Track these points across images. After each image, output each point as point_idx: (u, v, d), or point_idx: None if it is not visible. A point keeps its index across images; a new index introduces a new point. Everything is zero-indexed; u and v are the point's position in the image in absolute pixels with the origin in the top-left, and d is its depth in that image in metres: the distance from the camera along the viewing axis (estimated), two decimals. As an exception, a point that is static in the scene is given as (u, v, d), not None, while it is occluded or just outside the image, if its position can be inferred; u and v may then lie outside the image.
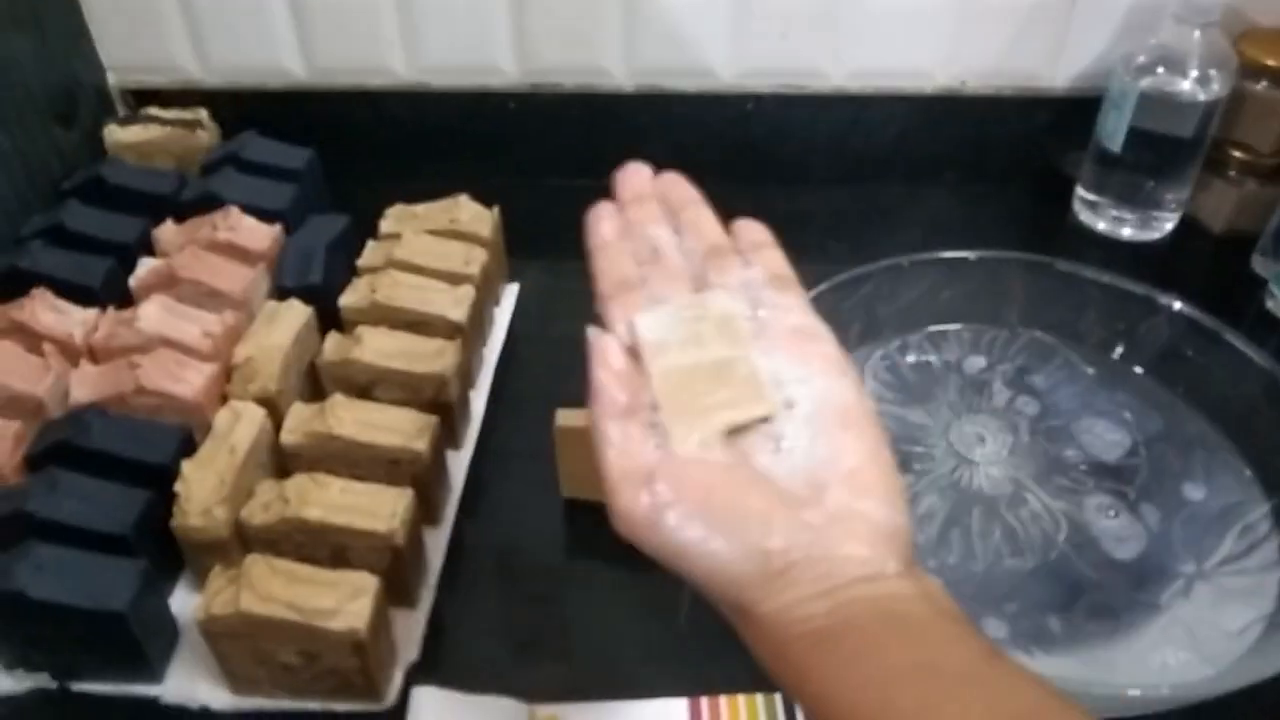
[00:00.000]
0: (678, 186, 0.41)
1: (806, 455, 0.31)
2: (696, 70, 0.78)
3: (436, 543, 0.56)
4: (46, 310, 0.60)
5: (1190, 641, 0.46)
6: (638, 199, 0.41)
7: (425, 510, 0.55)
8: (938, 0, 0.74)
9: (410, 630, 0.52)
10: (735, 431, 0.33)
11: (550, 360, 0.70)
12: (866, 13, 0.75)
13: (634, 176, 0.42)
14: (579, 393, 0.68)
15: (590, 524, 0.58)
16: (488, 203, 0.71)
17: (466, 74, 0.79)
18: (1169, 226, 0.77)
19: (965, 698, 0.27)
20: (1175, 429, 0.57)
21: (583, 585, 0.56)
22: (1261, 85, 0.71)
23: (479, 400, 0.65)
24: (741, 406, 0.33)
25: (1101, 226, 0.78)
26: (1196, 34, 0.69)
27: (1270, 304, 0.70)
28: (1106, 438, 0.57)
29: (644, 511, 0.31)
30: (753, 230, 0.39)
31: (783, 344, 0.35)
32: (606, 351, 0.35)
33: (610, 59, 0.78)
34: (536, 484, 0.59)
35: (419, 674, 0.50)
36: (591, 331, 0.36)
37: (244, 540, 0.52)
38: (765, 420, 0.33)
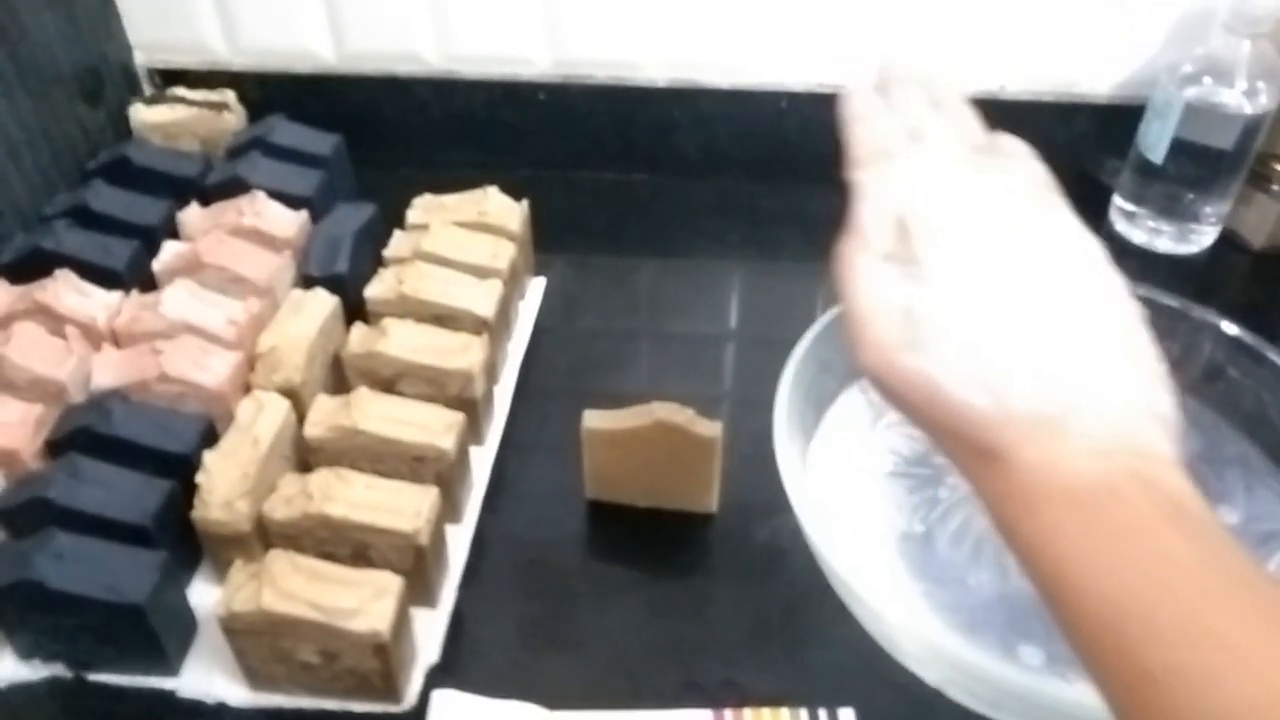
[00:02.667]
0: (941, 81, 0.39)
1: (1080, 325, 0.30)
2: (730, 66, 0.77)
3: (458, 541, 0.55)
4: (70, 292, 0.60)
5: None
6: (904, 81, 0.38)
7: (448, 507, 0.54)
8: (978, 3, 0.73)
9: (431, 630, 0.51)
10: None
11: (575, 356, 0.69)
12: (904, 14, 0.74)
13: (902, 65, 0.40)
14: (604, 389, 0.67)
15: (613, 525, 0.58)
16: (515, 194, 0.70)
17: (497, 63, 0.78)
18: (1207, 241, 0.76)
19: (1248, 601, 0.25)
20: (1216, 450, 0.56)
21: (605, 588, 0.55)
22: (1310, 99, 0.70)
23: (503, 395, 0.64)
24: None
25: (1138, 238, 0.77)
26: (1246, 45, 0.67)
27: (1310, 323, 0.69)
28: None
29: (898, 341, 0.30)
30: (1011, 142, 0.37)
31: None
32: (884, 196, 0.34)
33: (643, 52, 0.76)
34: (560, 482, 0.58)
35: (439, 675, 0.50)
36: (863, 177, 0.35)
37: (265, 534, 0.51)
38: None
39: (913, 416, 0.31)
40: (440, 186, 0.70)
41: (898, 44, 0.75)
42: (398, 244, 0.66)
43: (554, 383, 0.67)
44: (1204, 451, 0.56)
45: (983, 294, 0.31)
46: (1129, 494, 0.27)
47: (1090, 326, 0.30)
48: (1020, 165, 0.35)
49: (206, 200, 0.68)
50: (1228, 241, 0.76)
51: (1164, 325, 0.59)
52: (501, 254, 0.65)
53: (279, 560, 0.46)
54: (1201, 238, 0.76)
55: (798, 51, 0.76)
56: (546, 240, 0.73)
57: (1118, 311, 0.31)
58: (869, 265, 0.32)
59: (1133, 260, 0.76)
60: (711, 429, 0.54)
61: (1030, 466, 0.28)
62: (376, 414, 0.54)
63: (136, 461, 0.52)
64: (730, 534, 0.57)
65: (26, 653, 0.49)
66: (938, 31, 0.74)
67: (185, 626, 0.50)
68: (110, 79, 0.76)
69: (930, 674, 0.46)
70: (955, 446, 0.31)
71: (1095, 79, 0.76)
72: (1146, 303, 0.59)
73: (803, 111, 0.78)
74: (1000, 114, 0.83)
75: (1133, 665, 0.25)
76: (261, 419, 0.53)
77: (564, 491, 0.58)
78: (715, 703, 0.48)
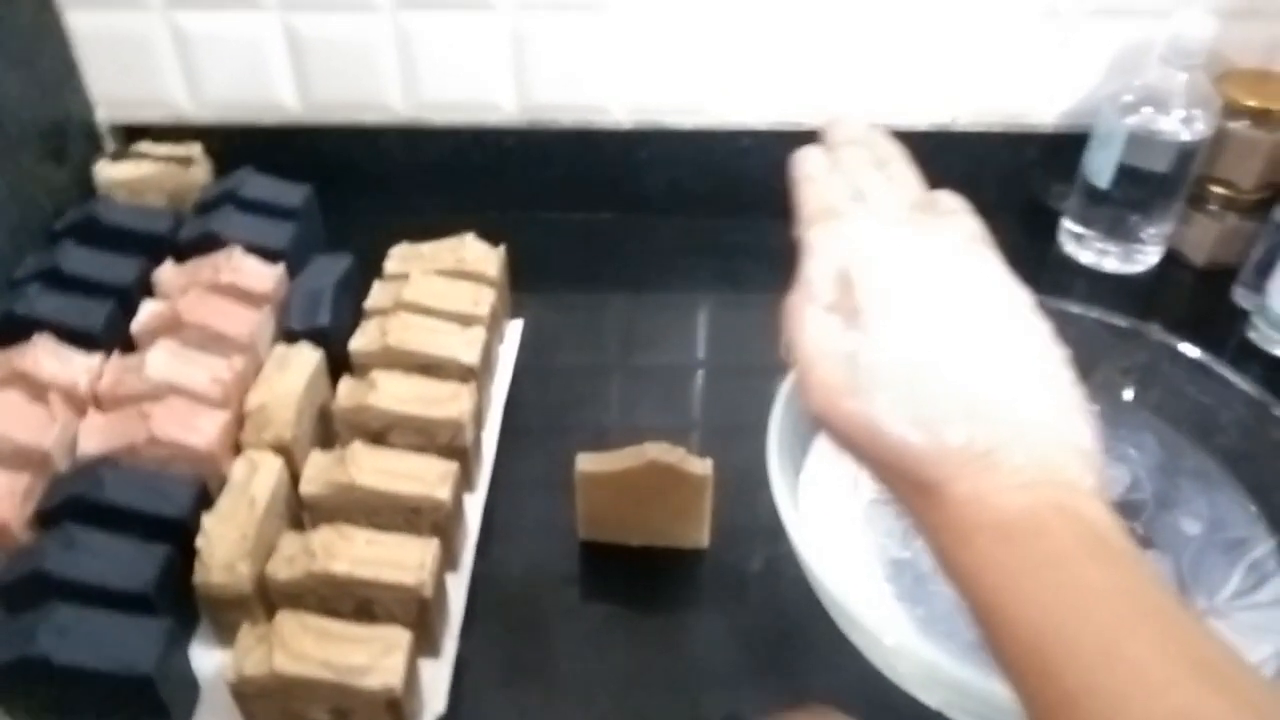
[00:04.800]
0: (884, 143, 0.42)
1: (1006, 367, 0.33)
2: (693, 107, 0.79)
3: (457, 588, 0.56)
4: (49, 357, 0.59)
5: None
6: (850, 142, 0.41)
7: (446, 557, 0.55)
8: (931, 39, 0.76)
9: (436, 681, 0.52)
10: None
11: (556, 394, 0.70)
12: (860, 52, 0.76)
13: (847, 124, 0.42)
14: (586, 423, 0.69)
15: (607, 565, 0.59)
16: (486, 237, 0.71)
17: (464, 110, 0.79)
18: (1153, 259, 0.79)
19: (1161, 631, 0.27)
20: (1175, 463, 0.59)
21: (603, 628, 0.56)
22: (1242, 124, 0.74)
23: (489, 439, 0.65)
24: None
25: (1086, 259, 0.80)
26: (1182, 76, 0.71)
27: (1253, 335, 0.73)
28: (1110, 474, 0.59)
29: (842, 385, 0.32)
30: (949, 199, 0.40)
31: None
32: (828, 251, 0.36)
33: (608, 97, 0.78)
34: (551, 523, 0.59)
35: (446, 725, 0.50)
36: (811, 236, 0.37)
37: (265, 594, 0.51)
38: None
39: (857, 455, 0.33)
40: (411, 233, 0.71)
41: (853, 82, 0.78)
42: (378, 294, 0.66)
43: (538, 422, 0.67)
44: (1164, 464, 0.59)
45: (919, 342, 0.33)
46: (1053, 526, 0.29)
47: (1017, 370, 0.33)
48: (956, 221, 0.38)
49: (180, 257, 0.68)
50: (1172, 260, 0.80)
51: (1124, 346, 0.63)
52: (482, 300, 0.66)
53: (288, 622, 0.46)
54: (1147, 257, 0.79)
55: (757, 91, 0.78)
56: (520, 281, 0.74)
57: (1043, 354, 0.34)
58: (815, 316, 0.35)
59: (1082, 280, 0.79)
60: (703, 466, 0.55)
61: (963, 499, 0.30)
62: (371, 468, 0.54)
63: (131, 528, 0.51)
64: (723, 567, 0.58)
65: (29, 728, 0.48)
66: (891, 69, 0.77)
67: (190, 691, 0.50)
68: (73, 137, 0.76)
69: (931, 697, 0.48)
70: (896, 482, 0.33)
71: (1042, 110, 0.80)
72: (1106, 326, 0.62)
73: (764, 148, 0.80)
74: (953, 145, 0.87)
75: (1054, 687, 0.27)
76: (256, 479, 0.53)
77: (556, 532, 0.59)
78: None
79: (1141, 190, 0.75)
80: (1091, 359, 0.62)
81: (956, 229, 0.38)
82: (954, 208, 0.39)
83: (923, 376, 0.32)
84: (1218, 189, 0.77)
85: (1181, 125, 0.72)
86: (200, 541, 0.50)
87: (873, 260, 0.35)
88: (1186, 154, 0.73)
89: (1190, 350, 0.60)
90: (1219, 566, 0.53)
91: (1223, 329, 0.74)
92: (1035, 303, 0.35)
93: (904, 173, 0.40)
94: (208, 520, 0.51)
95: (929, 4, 0.74)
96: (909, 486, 0.32)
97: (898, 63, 0.77)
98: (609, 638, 0.56)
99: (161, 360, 0.59)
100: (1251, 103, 0.73)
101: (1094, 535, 0.29)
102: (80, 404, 0.58)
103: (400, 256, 0.69)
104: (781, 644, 0.55)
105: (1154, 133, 0.73)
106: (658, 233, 0.82)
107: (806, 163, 0.40)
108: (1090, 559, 0.28)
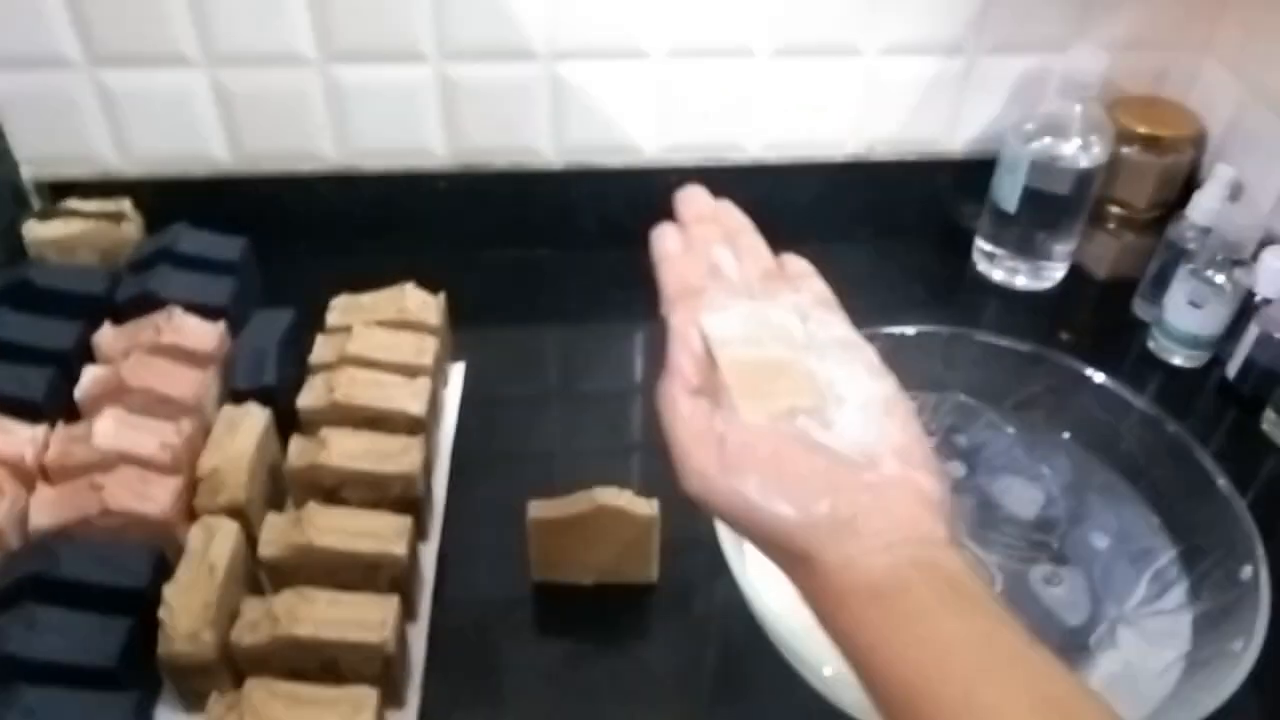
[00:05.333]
0: (732, 215, 0.45)
1: (859, 434, 0.35)
2: (622, 147, 0.81)
3: (417, 638, 0.58)
4: (-7, 431, 0.59)
5: (1119, 683, 0.52)
6: (699, 219, 0.44)
7: (406, 609, 0.56)
8: (845, 74, 0.80)
9: (402, 731, 0.54)
10: (794, 414, 0.36)
11: (502, 431, 0.72)
12: (780, 89, 0.80)
13: (695, 199, 0.45)
14: (536, 458, 0.72)
15: (560, 603, 0.61)
16: (423, 280, 0.72)
17: (397, 156, 0.80)
18: (1059, 275, 0.84)
19: (1011, 674, 0.30)
20: (1085, 480, 0.64)
21: (560, 664, 0.59)
22: (1134, 149, 0.79)
23: (439, 483, 0.67)
24: (801, 394, 0.37)
25: (998, 277, 0.85)
26: (1078, 106, 0.76)
27: (1151, 345, 0.78)
28: (1026, 494, 0.63)
29: (716, 468, 0.34)
30: (797, 263, 0.43)
31: (831, 351, 0.39)
32: (689, 337, 0.38)
33: (539, 139, 0.80)
34: (503, 564, 0.61)
35: (416, 775, 0.52)
36: (675, 320, 0.39)
37: (230, 660, 0.52)
38: (819, 409, 0.36)
39: (736, 529, 0.36)
40: (349, 279, 0.72)
41: (773, 118, 0.81)
42: (322, 348, 0.67)
43: (486, 462, 0.69)
44: (1075, 482, 0.64)
45: (778, 418, 0.36)
46: (914, 582, 0.32)
47: (870, 430, 0.36)
48: (805, 284, 0.42)
49: (118, 318, 0.68)
50: (1077, 275, 0.85)
51: (1032, 371, 0.67)
52: (426, 349, 0.68)
53: (257, 690, 0.48)
54: (1054, 273, 0.84)
55: (682, 130, 0.81)
56: (458, 321, 0.75)
57: (889, 409, 0.37)
58: (684, 401, 0.37)
59: (994, 296, 0.84)
60: (649, 507, 0.58)
61: (834, 567, 0.33)
62: (328, 527, 0.55)
63: (90, 602, 0.52)
64: (673, 599, 0.61)
65: (-2, 810, 0.49)
66: (809, 104, 0.81)
67: (159, 761, 0.51)
68: (0, 197, 0.75)
69: None
70: (775, 553, 0.35)
71: (951, 139, 0.84)
72: (1016, 353, 0.67)
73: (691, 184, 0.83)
74: (872, 174, 0.91)
75: None
76: (214, 545, 0.54)
77: (510, 573, 0.61)
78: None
79: (1046, 212, 0.80)
80: (1005, 385, 0.67)
81: (807, 290, 0.41)
82: (802, 271, 0.43)
83: (786, 451, 0.35)
84: (1115, 209, 0.82)
85: (1080, 151, 0.77)
86: (162, 613, 0.51)
87: (727, 342, 0.38)
88: (1085, 178, 0.78)
89: (1093, 373, 0.64)
90: (1127, 577, 0.57)
91: (1125, 340, 0.80)
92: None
93: (753, 243, 0.44)
94: (168, 590, 0.52)
95: (842, 43, 0.78)
96: (786, 557, 0.35)
97: (814, 98, 0.80)
98: (567, 674, 0.58)
99: (109, 428, 0.59)
100: (1142, 129, 0.78)
101: (950, 587, 0.32)
102: (28, 477, 0.59)
103: (341, 308, 0.70)
104: (730, 672, 0.58)
105: (1054, 159, 0.78)
106: (591, 267, 0.84)
107: (662, 242, 0.43)
108: (948, 611, 0.32)
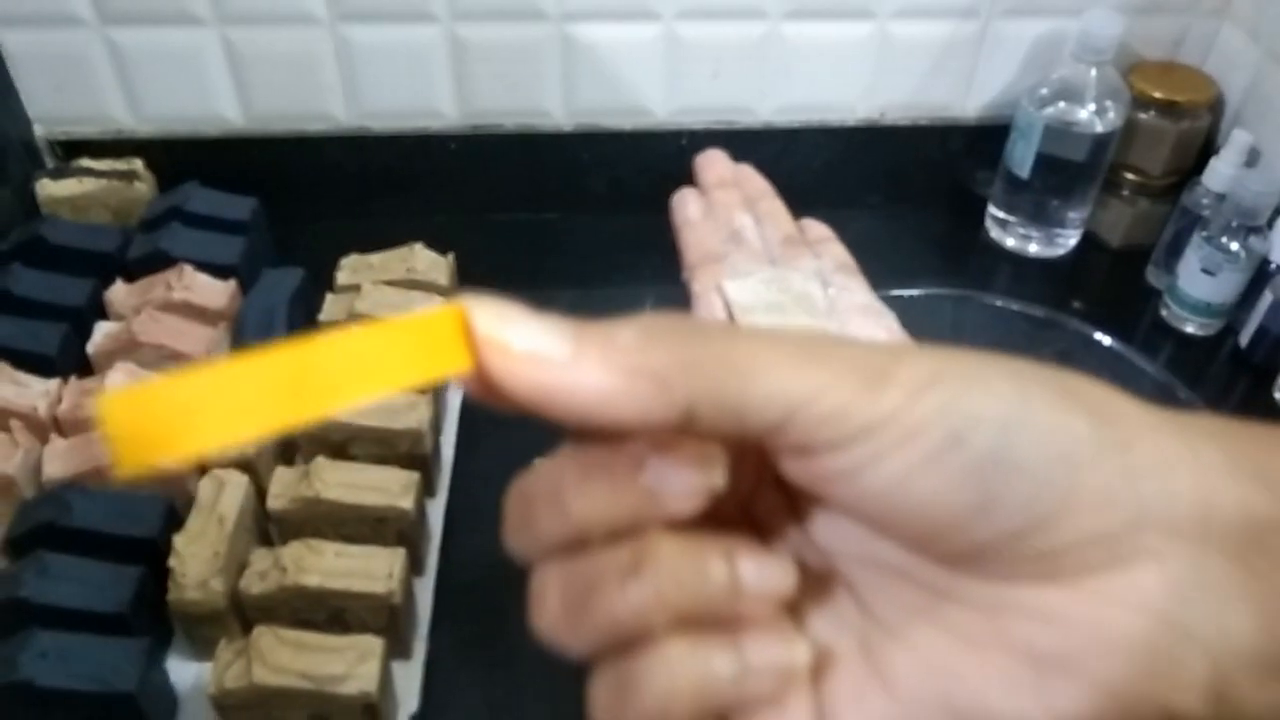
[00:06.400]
0: (753, 179, 0.44)
1: None
2: (632, 109, 0.81)
3: (423, 591, 0.59)
4: (6, 383, 0.60)
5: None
6: (721, 184, 0.43)
7: (412, 562, 0.57)
8: (857, 37, 0.79)
9: (408, 681, 0.54)
10: None
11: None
12: (791, 51, 0.79)
13: (716, 163, 0.44)
14: (542, 430, 0.72)
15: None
16: (432, 242, 0.73)
17: (407, 117, 0.80)
18: (1072, 242, 0.84)
19: None
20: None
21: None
22: (1150, 115, 0.78)
23: (447, 442, 0.67)
24: None
25: (1011, 243, 0.84)
26: (1093, 71, 0.75)
27: (1164, 313, 0.77)
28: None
29: None
30: (817, 228, 0.43)
31: (853, 318, 0.39)
32: (711, 303, 0.38)
33: (549, 101, 0.80)
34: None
35: (421, 723, 0.53)
36: (697, 286, 0.39)
37: (239, 608, 0.53)
38: None
39: None
40: (357, 240, 0.73)
41: (785, 80, 0.80)
42: (331, 307, 0.68)
43: (492, 421, 0.70)
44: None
45: None
46: None
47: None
48: (826, 249, 0.41)
49: (130, 275, 0.69)
50: (1090, 242, 0.84)
51: (1045, 335, 0.67)
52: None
53: (264, 636, 0.48)
54: (1067, 240, 0.84)
55: (692, 93, 0.81)
56: (467, 283, 0.75)
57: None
58: None
59: (1007, 263, 0.84)
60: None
61: None
62: (336, 482, 0.56)
63: (102, 550, 0.53)
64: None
65: (12, 751, 0.50)
66: (821, 67, 0.80)
67: (168, 706, 0.52)
68: (13, 155, 0.75)
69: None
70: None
71: (964, 103, 0.83)
72: (1028, 317, 0.67)
73: (700, 147, 0.82)
74: (883, 138, 0.91)
75: None
76: (224, 496, 0.55)
77: (516, 532, 0.62)
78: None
79: (1060, 178, 0.79)
80: (1015, 350, 0.66)
81: (828, 255, 0.41)
82: (822, 236, 0.43)
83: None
84: (1130, 175, 0.81)
85: (1095, 117, 0.76)
86: (173, 561, 0.52)
87: (749, 309, 0.38)
88: (1100, 144, 0.77)
89: (1103, 338, 0.64)
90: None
91: (1137, 307, 0.79)
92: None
93: (774, 208, 0.43)
94: (179, 540, 0.53)
95: (855, 6, 0.77)
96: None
97: (826, 61, 0.80)
98: (571, 630, 0.59)
99: (121, 382, 0.60)
100: (1158, 94, 0.77)
101: None
102: (41, 429, 0.59)
103: (350, 268, 0.70)
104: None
105: (1069, 124, 0.77)
106: (599, 230, 0.84)
107: (683, 208, 0.42)
108: None
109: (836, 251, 0.42)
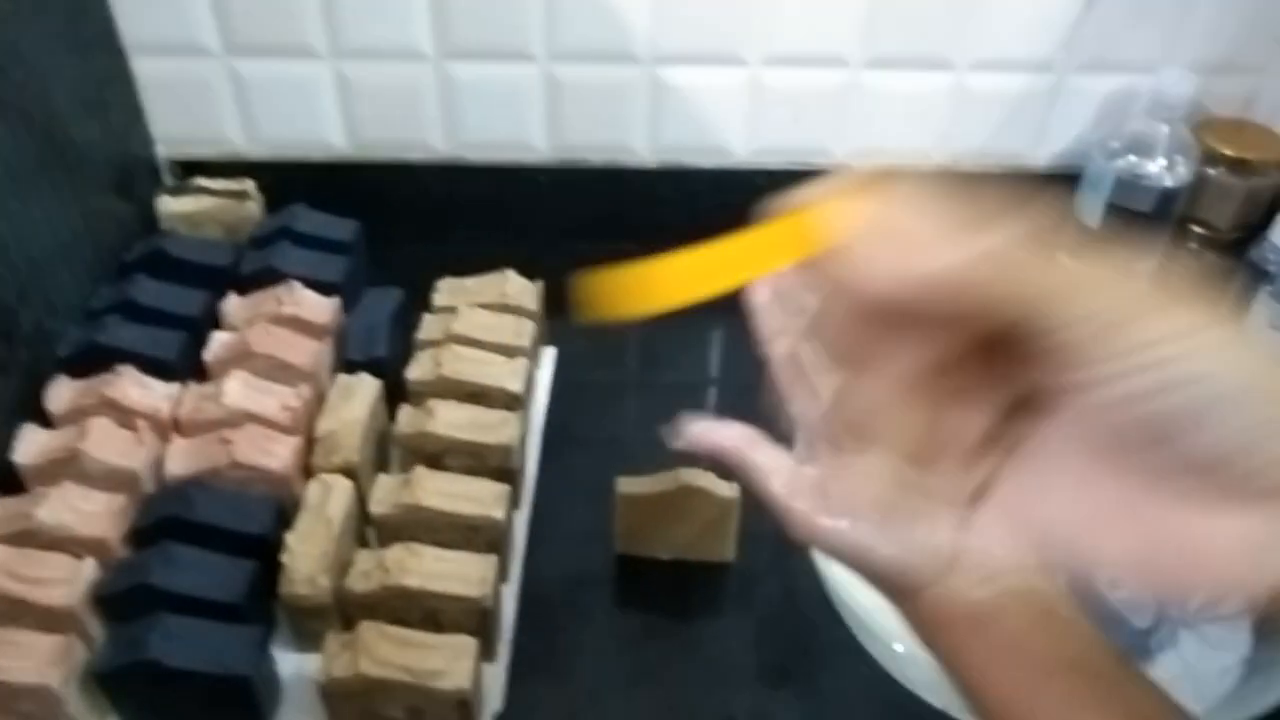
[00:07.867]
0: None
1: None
2: (714, 149, 0.85)
3: (508, 598, 0.62)
4: (134, 386, 0.65)
5: (1180, 686, 0.54)
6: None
7: (501, 570, 0.61)
8: (935, 87, 0.82)
9: (493, 682, 0.58)
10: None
11: (589, 414, 0.76)
12: (869, 98, 0.82)
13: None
14: (619, 442, 0.77)
15: (641, 575, 0.65)
16: (520, 268, 0.77)
17: (501, 149, 0.85)
18: (1138, 292, 0.86)
19: (1104, 698, 0.32)
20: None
21: (639, 633, 0.62)
22: (1219, 171, 0.80)
23: (531, 458, 0.71)
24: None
25: (1077, 290, 0.86)
26: (1164, 127, 0.77)
27: (1228, 364, 0.79)
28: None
29: (814, 509, 0.35)
30: None
31: None
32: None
33: (635, 138, 0.84)
34: (588, 536, 0.65)
35: (504, 723, 0.56)
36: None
37: (342, 604, 0.57)
38: None
39: (842, 563, 0.36)
40: (450, 264, 0.77)
41: (862, 126, 0.84)
42: (429, 327, 0.72)
43: (573, 441, 0.73)
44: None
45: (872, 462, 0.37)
46: (1009, 611, 0.34)
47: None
48: None
49: (242, 289, 0.74)
50: (1155, 292, 0.86)
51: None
52: (524, 332, 0.72)
53: (369, 631, 0.52)
54: (1132, 289, 0.85)
55: (770, 135, 0.84)
56: (550, 308, 0.79)
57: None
58: (768, 456, 0.37)
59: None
60: (730, 490, 0.61)
61: (934, 601, 0.35)
62: (434, 490, 0.60)
63: (219, 543, 0.57)
64: (748, 578, 0.64)
65: (133, 726, 0.54)
66: (897, 113, 0.83)
67: (275, 692, 0.56)
68: (138, 174, 0.81)
69: (937, 699, 0.54)
70: (879, 584, 0.37)
71: (1035, 152, 0.86)
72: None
73: (779, 187, 0.86)
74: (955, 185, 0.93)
75: None
76: (331, 500, 0.59)
77: (594, 544, 0.65)
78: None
79: (1129, 229, 0.82)
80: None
81: None
82: None
83: (887, 498, 0.35)
84: (1198, 229, 0.83)
85: (1164, 171, 0.79)
86: (285, 557, 0.56)
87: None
88: (1169, 197, 0.79)
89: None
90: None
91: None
92: None
93: None
94: (290, 538, 0.57)
95: (935, 56, 0.80)
96: (890, 589, 0.36)
97: (903, 107, 0.83)
98: (644, 641, 0.62)
99: (236, 389, 0.65)
100: (1228, 151, 0.79)
101: (1044, 612, 0.34)
102: (163, 429, 0.64)
103: (447, 290, 0.75)
104: (800, 649, 0.61)
105: (1139, 177, 0.79)
106: (678, 263, 0.88)
107: (755, 294, 0.42)
108: (1043, 636, 0.34)
109: None
